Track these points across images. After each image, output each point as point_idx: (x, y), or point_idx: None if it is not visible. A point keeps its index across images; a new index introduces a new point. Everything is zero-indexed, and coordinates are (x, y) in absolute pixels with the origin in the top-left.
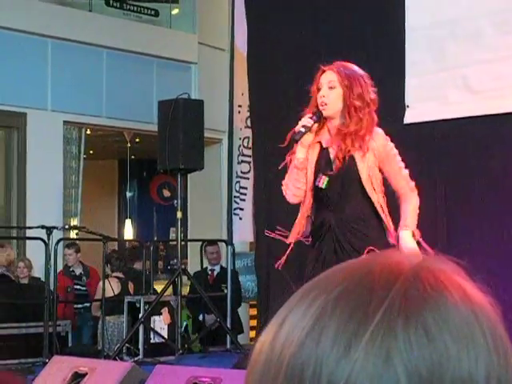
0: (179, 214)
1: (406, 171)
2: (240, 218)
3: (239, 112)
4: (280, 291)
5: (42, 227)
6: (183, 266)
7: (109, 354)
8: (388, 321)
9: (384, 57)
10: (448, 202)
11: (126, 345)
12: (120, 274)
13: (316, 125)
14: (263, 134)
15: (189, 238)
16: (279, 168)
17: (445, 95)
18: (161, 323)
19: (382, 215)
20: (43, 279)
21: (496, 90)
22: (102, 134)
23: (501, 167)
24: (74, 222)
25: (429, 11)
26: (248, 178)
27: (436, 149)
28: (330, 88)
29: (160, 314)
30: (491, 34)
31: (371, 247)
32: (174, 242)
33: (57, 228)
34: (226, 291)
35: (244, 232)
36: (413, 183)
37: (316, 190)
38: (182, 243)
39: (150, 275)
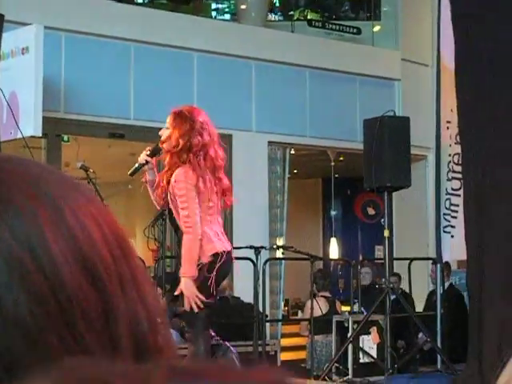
0: (386, 233)
1: (185, 212)
2: (452, 236)
3: (448, 128)
4: (493, 317)
5: (251, 247)
6: (391, 285)
7: (318, 374)
8: None
9: None
10: None
11: (335, 364)
12: (327, 293)
13: (152, 159)
14: (472, 151)
15: (394, 256)
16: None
17: None
18: (370, 342)
19: None
20: (243, 299)
21: None
22: (306, 154)
23: None
24: (280, 241)
25: None
26: (459, 195)
27: None
28: (167, 128)
29: (369, 333)
30: None
31: None
32: (380, 261)
33: (265, 248)
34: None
35: (456, 250)
36: (189, 224)
37: None
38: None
39: (358, 293)
